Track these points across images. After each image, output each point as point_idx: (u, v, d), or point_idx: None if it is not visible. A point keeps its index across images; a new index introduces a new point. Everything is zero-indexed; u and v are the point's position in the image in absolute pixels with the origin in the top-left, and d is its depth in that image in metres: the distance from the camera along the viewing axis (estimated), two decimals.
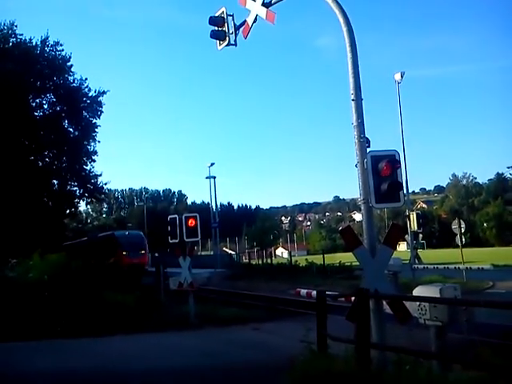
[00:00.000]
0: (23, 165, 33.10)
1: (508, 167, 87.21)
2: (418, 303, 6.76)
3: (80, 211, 59.59)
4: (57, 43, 36.02)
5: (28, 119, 33.99)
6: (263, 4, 9.32)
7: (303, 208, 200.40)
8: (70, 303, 14.33)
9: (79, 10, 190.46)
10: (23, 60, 33.07)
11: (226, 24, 10.34)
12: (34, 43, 35.44)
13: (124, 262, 32.98)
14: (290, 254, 49.18)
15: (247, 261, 48.39)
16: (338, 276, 28.04)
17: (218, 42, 10.53)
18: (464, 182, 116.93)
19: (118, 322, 13.68)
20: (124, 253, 35.25)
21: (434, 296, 6.65)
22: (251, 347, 11.04)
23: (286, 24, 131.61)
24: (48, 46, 35.87)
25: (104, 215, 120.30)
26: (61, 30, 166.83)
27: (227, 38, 10.35)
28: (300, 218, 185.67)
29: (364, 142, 7.49)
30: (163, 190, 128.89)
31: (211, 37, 10.43)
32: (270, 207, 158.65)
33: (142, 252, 36.99)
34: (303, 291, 21.93)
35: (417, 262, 30.66)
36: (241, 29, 10.09)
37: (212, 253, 54.23)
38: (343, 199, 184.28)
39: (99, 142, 38.75)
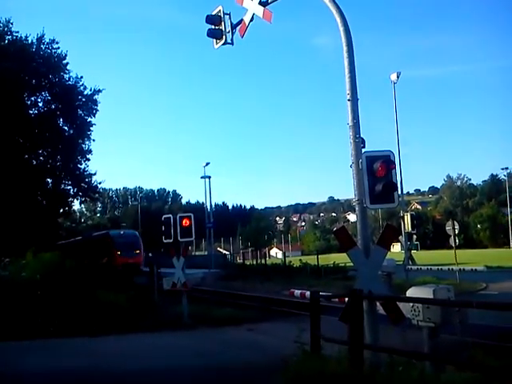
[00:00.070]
0: (17, 163, 32.96)
1: (502, 168, 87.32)
2: (411, 304, 6.78)
3: (74, 210, 59.54)
4: (53, 41, 35.93)
5: (23, 117, 33.86)
6: (260, 3, 9.31)
7: (298, 208, 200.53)
8: (63, 302, 14.29)
9: (79, 10, 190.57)
10: (19, 58, 32.87)
11: (222, 23, 10.31)
12: (29, 41, 35.36)
13: (119, 262, 32.94)
14: (284, 254, 49.13)
15: (241, 261, 48.36)
16: (332, 277, 28.03)
17: (214, 40, 10.51)
18: (458, 183, 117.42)
19: (111, 322, 13.65)
20: (119, 252, 35.18)
21: (427, 297, 6.68)
22: (245, 347, 11.04)
23: (283, 23, 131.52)
24: (44, 44, 35.75)
25: (98, 214, 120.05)
26: (61, 30, 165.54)
27: (224, 37, 10.32)
28: (294, 219, 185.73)
29: (359, 142, 7.49)
30: (158, 190, 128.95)
31: (208, 35, 10.41)
32: (265, 207, 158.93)
33: (137, 252, 36.90)
34: (297, 292, 21.93)
35: (410, 263, 30.71)
36: (238, 27, 10.07)
37: (206, 253, 54.17)
38: (338, 200, 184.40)
39: (94, 140, 38.72)
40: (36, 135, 36.32)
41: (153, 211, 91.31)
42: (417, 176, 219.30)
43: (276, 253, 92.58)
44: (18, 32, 35.04)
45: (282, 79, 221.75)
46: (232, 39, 10.29)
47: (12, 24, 34.72)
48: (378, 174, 7.14)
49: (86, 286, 15.99)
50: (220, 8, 10.35)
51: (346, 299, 7.44)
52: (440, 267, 30.52)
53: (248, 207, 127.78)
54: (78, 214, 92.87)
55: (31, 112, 37.47)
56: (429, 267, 31.83)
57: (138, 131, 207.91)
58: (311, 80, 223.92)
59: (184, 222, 15.50)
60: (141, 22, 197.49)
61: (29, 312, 13.60)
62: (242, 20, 9.89)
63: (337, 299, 12.48)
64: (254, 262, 44.89)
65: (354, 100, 7.62)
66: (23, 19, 78.77)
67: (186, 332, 13.71)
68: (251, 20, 9.63)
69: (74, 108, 36.99)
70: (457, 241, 25.01)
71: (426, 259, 40.63)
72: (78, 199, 41.04)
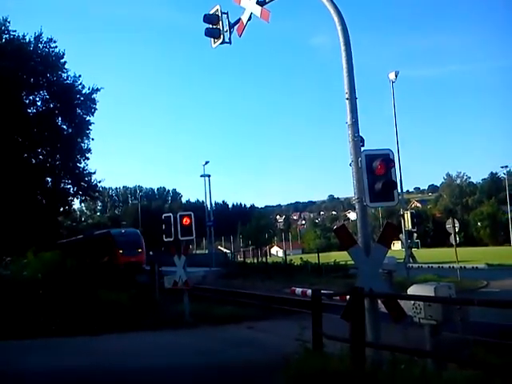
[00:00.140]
0: (16, 162, 32.95)
1: (502, 167, 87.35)
2: (412, 302, 6.78)
3: (74, 209, 59.60)
4: (50, 40, 35.91)
5: (21, 116, 33.83)
6: (258, 2, 9.31)
7: (298, 207, 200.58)
8: (64, 301, 14.27)
9: (79, 10, 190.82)
10: (16, 56, 32.85)
11: (220, 22, 10.30)
12: (27, 40, 35.31)
13: (121, 261, 32.87)
14: (284, 252, 49.17)
15: (242, 259, 48.38)
16: (333, 275, 28.01)
17: (212, 39, 10.51)
18: (458, 181, 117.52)
19: (113, 321, 13.65)
20: (121, 251, 35.14)
21: (428, 295, 6.68)
22: (246, 346, 11.03)
23: (281, 22, 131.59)
24: (41, 43, 35.76)
25: (98, 213, 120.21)
26: (61, 29, 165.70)
27: (222, 36, 10.32)
28: (295, 217, 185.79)
29: (358, 140, 7.49)
30: (158, 189, 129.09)
31: (206, 35, 10.40)
32: (265, 206, 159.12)
33: (139, 250, 36.84)
34: (298, 290, 21.96)
35: (411, 261, 30.76)
36: (235, 27, 10.07)
37: (207, 251, 54.19)
38: (338, 198, 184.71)
39: (93, 139, 38.73)
40: (35, 134, 36.28)
41: (153, 210, 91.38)
42: (417, 174, 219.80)
43: (277, 251, 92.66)
44: (15, 31, 35.14)
45: (281, 78, 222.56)
46: (230, 38, 10.29)
47: (9, 23, 34.85)
48: (377, 172, 7.15)
49: (88, 285, 15.97)
50: (218, 7, 10.34)
51: (348, 297, 7.44)
52: (441, 265, 30.50)
53: (248, 206, 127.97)
54: (78, 213, 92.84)
55: (29, 111, 37.48)
56: (429, 265, 31.80)
57: (137, 131, 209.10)
58: (309, 79, 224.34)
59: (184, 220, 15.50)
60: (141, 22, 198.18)
61: (30, 311, 13.61)
62: (239, 19, 9.89)
63: (338, 297, 12.51)
64: (255, 261, 44.95)
65: (353, 99, 7.61)
66: (23, 19, 78.47)
67: (187, 330, 13.70)
68: (249, 19, 9.64)
69: (73, 107, 36.95)
70: (457, 239, 25.00)
71: (426, 257, 40.64)
72: (77, 198, 41.11)
